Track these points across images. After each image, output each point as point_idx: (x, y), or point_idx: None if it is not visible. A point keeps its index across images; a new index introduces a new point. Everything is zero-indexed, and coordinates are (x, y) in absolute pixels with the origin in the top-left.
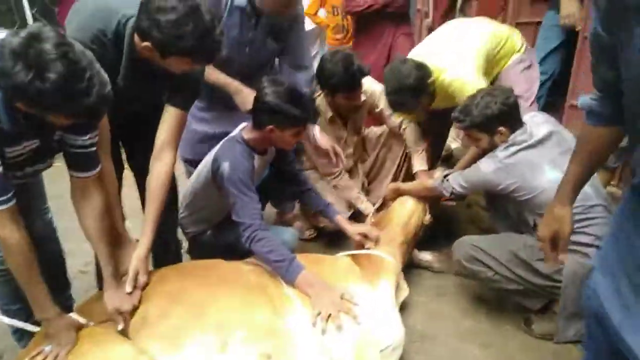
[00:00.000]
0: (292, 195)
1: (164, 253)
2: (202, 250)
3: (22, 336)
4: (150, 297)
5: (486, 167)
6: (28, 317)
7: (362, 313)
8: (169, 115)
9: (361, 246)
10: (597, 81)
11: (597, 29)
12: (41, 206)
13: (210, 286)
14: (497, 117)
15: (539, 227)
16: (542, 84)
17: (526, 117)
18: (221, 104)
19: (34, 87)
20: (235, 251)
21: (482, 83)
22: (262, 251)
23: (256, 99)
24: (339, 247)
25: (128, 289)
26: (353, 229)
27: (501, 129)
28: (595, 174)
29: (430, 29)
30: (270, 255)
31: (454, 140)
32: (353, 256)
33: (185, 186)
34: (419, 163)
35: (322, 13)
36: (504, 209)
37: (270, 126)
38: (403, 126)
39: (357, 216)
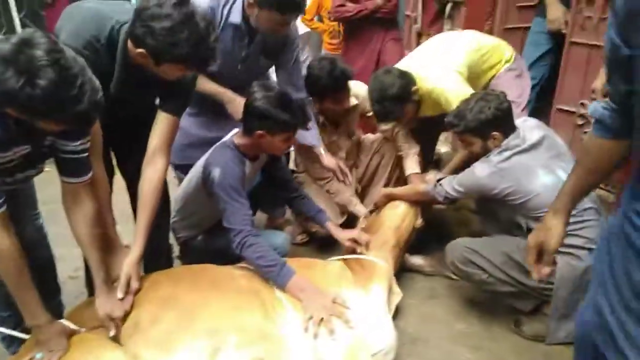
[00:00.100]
0: (283, 201)
1: (155, 258)
2: (193, 255)
3: (11, 343)
4: (142, 302)
5: (481, 171)
6: (18, 324)
7: (354, 317)
8: (161, 120)
9: (352, 252)
10: (613, 93)
11: (613, 39)
12: (32, 212)
13: (201, 291)
14: (490, 122)
15: (531, 234)
16: (530, 89)
17: (518, 122)
18: (212, 110)
19: (25, 93)
20: (227, 256)
21: (465, 90)
22: (253, 257)
23: (246, 104)
24: (331, 251)
25: (120, 294)
26: (343, 235)
27: (495, 133)
28: (568, 156)
29: (419, 35)
30: (261, 261)
31: (442, 144)
32: (345, 261)
33: (176, 191)
34: (411, 166)
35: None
36: (494, 212)
37: (260, 131)
38: (395, 130)
39: (350, 221)
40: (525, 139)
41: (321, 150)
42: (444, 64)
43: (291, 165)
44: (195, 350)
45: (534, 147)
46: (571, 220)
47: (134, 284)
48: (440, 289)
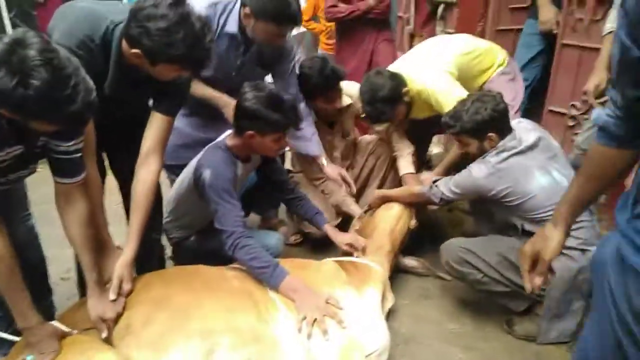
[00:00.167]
0: (277, 202)
1: (147, 259)
2: (186, 255)
3: (1, 345)
4: (134, 304)
5: (478, 172)
6: (9, 325)
7: (348, 318)
8: (155, 121)
9: (349, 255)
10: (619, 99)
11: (623, 40)
12: (23, 212)
13: (194, 292)
14: (487, 123)
15: (527, 242)
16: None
17: (513, 123)
18: (207, 111)
19: (18, 93)
20: (220, 257)
21: (455, 90)
22: (246, 258)
23: (237, 105)
24: (325, 252)
25: (112, 296)
26: (340, 239)
27: (491, 135)
28: (568, 166)
29: (412, 36)
30: (253, 262)
31: (434, 146)
32: (340, 263)
33: (169, 192)
34: (405, 166)
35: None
36: (489, 213)
37: (251, 132)
38: (390, 131)
39: (346, 222)
40: (522, 141)
41: (323, 161)
42: (435, 66)
43: (287, 165)
44: (189, 352)
45: (530, 148)
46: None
47: (127, 286)
48: (433, 290)
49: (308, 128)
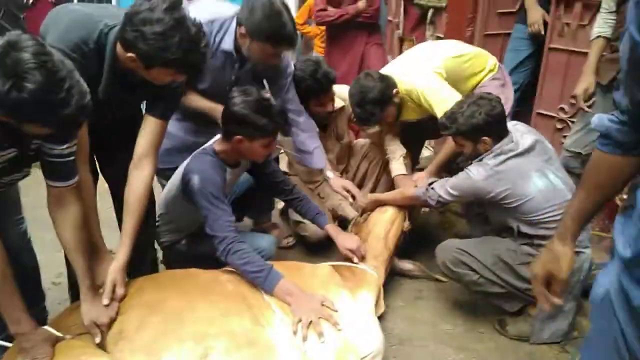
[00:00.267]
0: (269, 206)
1: (140, 263)
2: (177, 259)
3: None
4: (128, 308)
5: (477, 174)
6: (1, 331)
7: (343, 320)
8: (149, 125)
9: (347, 259)
10: (625, 101)
11: (633, 36)
12: (16, 216)
13: (188, 296)
14: (480, 127)
15: (533, 264)
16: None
17: (509, 126)
18: (200, 116)
19: (12, 96)
20: (211, 260)
21: (444, 89)
22: (239, 263)
23: (225, 109)
24: (319, 255)
25: (105, 301)
26: (342, 243)
27: (485, 138)
28: (562, 169)
29: (401, 40)
30: (247, 267)
31: (424, 149)
32: (337, 267)
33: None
34: (397, 168)
35: None
36: (482, 215)
37: (239, 136)
38: (383, 133)
39: (341, 225)
40: (519, 144)
41: (328, 174)
42: (424, 69)
43: (283, 168)
44: (182, 356)
45: (527, 151)
46: (559, 218)
47: (120, 290)
48: (426, 291)
49: (310, 141)
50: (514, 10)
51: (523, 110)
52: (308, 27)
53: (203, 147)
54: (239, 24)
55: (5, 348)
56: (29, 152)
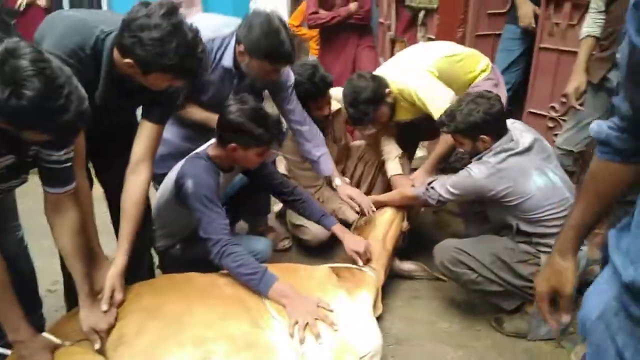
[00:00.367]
0: (265, 209)
1: (137, 268)
2: (172, 264)
3: None
4: (127, 314)
5: (478, 173)
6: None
7: (340, 321)
8: (145, 130)
9: (352, 261)
10: (625, 106)
11: (632, 39)
12: (13, 223)
13: (186, 300)
14: (478, 126)
15: (536, 280)
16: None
17: (507, 124)
18: (194, 124)
19: (11, 104)
20: (205, 264)
21: (437, 87)
22: (233, 266)
23: (221, 117)
24: (316, 257)
25: (104, 307)
26: (348, 245)
27: (483, 136)
28: (560, 167)
29: (393, 42)
30: (241, 269)
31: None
32: (336, 269)
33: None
34: (393, 168)
35: None
36: (479, 215)
37: (234, 144)
38: (379, 134)
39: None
40: (519, 142)
41: (337, 181)
42: (415, 69)
43: (282, 171)
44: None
45: (527, 150)
46: (558, 216)
47: (118, 296)
48: (423, 291)
49: (315, 149)
50: (504, 11)
51: (515, 109)
52: (303, 30)
53: (196, 151)
54: (237, 41)
55: (4, 355)
56: (26, 158)
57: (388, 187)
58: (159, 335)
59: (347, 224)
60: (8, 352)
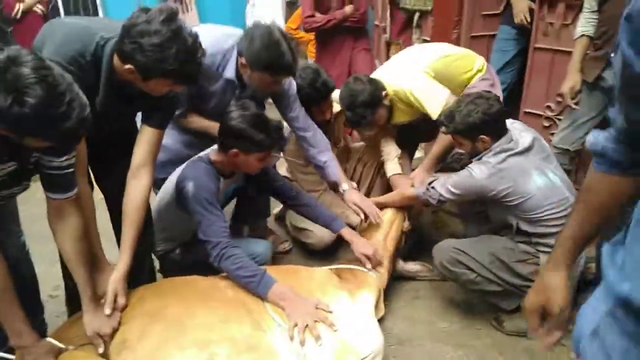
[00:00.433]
0: (265, 212)
1: (139, 272)
2: (172, 268)
3: None
4: (130, 318)
5: (479, 173)
6: (2, 345)
7: (341, 322)
8: (146, 135)
9: (358, 262)
10: (620, 120)
11: (625, 53)
12: (14, 228)
13: (188, 303)
14: (477, 126)
15: (528, 294)
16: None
17: (507, 124)
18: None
19: (13, 112)
20: (205, 267)
21: (433, 86)
22: (232, 268)
23: (222, 123)
24: (317, 259)
25: (107, 311)
26: (357, 248)
27: (483, 137)
28: (559, 167)
29: (388, 44)
30: (240, 272)
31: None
32: (339, 270)
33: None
34: (392, 168)
35: None
36: (478, 215)
37: (235, 150)
38: (379, 136)
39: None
40: (518, 142)
41: (344, 186)
42: (411, 71)
43: (284, 173)
44: None
45: (527, 150)
46: (557, 215)
47: (121, 300)
48: (424, 291)
49: (320, 155)
50: (498, 12)
51: (510, 109)
52: (301, 33)
53: (198, 155)
54: (239, 54)
55: None
56: (28, 165)
57: (387, 188)
58: (162, 338)
59: (353, 229)
60: (11, 357)
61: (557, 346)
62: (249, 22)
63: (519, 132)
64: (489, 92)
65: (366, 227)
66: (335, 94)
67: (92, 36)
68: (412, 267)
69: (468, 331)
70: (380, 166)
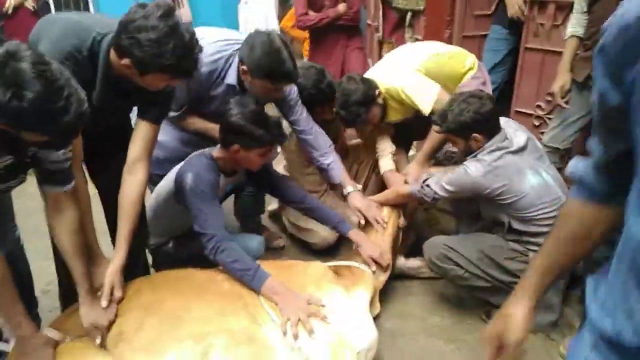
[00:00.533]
0: (260, 209)
1: (135, 266)
2: (164, 261)
3: None
4: (126, 311)
5: (475, 171)
6: None
7: (336, 316)
8: (142, 129)
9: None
10: (600, 150)
11: (600, 84)
12: (9, 223)
13: (185, 296)
14: (469, 125)
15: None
16: None
17: (501, 122)
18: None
19: (12, 106)
20: (198, 261)
21: (424, 83)
22: (227, 261)
23: (223, 120)
24: (312, 256)
25: (104, 303)
26: (366, 252)
27: (475, 135)
28: (552, 166)
29: (381, 43)
30: (235, 265)
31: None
32: (337, 267)
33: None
34: (386, 164)
35: None
36: (471, 213)
37: (236, 146)
38: (375, 134)
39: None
40: (513, 141)
41: (348, 189)
42: (403, 69)
43: (280, 171)
44: (183, 355)
45: (522, 149)
46: (550, 215)
47: (117, 293)
48: (416, 287)
49: (322, 158)
50: (490, 12)
51: (502, 108)
52: (297, 31)
53: (202, 150)
54: (240, 61)
55: (5, 352)
56: (25, 159)
57: (382, 185)
58: (158, 330)
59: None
60: (9, 346)
61: (546, 340)
62: (242, 19)
63: (513, 130)
64: (482, 91)
65: (364, 225)
66: None
67: (88, 31)
68: (413, 263)
69: (459, 326)
70: (375, 164)
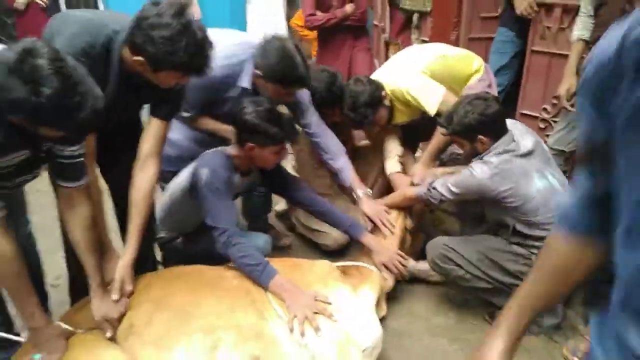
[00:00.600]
0: (267, 208)
1: (144, 261)
2: (173, 256)
3: (1, 348)
4: (136, 304)
5: (481, 173)
6: (6, 330)
7: (343, 314)
8: (153, 126)
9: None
10: (586, 184)
11: (586, 117)
12: (22, 217)
13: (194, 291)
14: (474, 127)
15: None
16: None
17: (508, 125)
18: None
19: (30, 102)
20: (206, 258)
21: (430, 85)
22: (238, 255)
23: (237, 118)
24: (319, 255)
25: (115, 296)
26: (378, 258)
27: (481, 137)
28: (559, 170)
29: (387, 44)
30: (245, 260)
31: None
32: (344, 267)
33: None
34: (392, 166)
35: None
36: (475, 215)
37: (251, 144)
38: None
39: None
40: (520, 145)
41: (358, 193)
42: (409, 71)
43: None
44: (192, 349)
45: (530, 153)
46: (553, 219)
47: (128, 287)
48: (419, 287)
49: (333, 161)
50: (496, 14)
51: (507, 110)
52: (306, 31)
53: (218, 148)
54: (255, 66)
55: (13, 347)
56: (40, 153)
57: (389, 187)
58: (168, 325)
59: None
60: (19, 338)
61: (548, 342)
62: (250, 19)
63: (520, 133)
64: (487, 93)
65: (372, 228)
66: None
67: (101, 28)
68: (423, 266)
69: (463, 326)
70: (381, 166)
